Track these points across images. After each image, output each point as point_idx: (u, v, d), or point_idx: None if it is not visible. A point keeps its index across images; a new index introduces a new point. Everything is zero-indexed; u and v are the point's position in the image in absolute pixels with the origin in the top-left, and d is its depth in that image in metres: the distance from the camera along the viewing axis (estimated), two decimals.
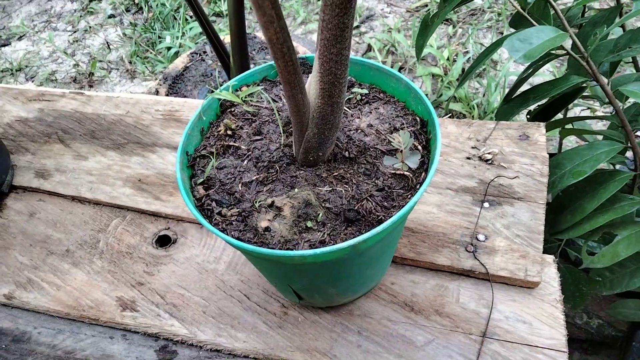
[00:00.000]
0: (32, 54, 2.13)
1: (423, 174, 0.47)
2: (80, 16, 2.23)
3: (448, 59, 1.68)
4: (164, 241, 0.71)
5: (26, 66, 2.07)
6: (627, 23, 0.83)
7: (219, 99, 0.55)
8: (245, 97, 0.55)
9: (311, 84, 0.44)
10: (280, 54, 0.36)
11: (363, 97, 0.55)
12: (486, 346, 0.55)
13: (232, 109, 0.56)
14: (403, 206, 0.45)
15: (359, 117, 0.53)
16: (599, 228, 0.74)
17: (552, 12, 0.76)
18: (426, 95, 1.66)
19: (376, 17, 1.98)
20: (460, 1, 0.78)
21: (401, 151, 0.45)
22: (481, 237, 0.62)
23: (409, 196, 0.46)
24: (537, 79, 1.57)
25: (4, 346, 0.64)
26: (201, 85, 1.34)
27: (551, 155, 0.77)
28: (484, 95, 1.60)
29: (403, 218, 0.44)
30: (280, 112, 0.54)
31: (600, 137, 0.80)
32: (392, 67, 1.75)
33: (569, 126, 0.94)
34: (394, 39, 1.81)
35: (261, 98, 0.56)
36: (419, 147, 0.49)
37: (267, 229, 0.45)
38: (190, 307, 0.63)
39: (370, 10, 2.00)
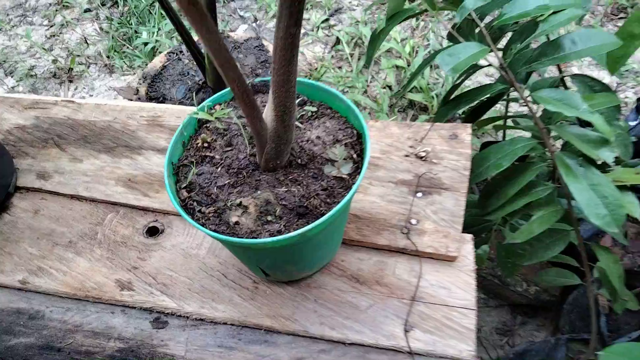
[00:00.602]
0: (10, 48, 2.17)
1: (357, 176, 0.61)
2: (56, 10, 2.27)
3: (410, 54, 1.80)
4: (153, 231, 0.84)
5: (4, 61, 2.12)
6: (552, 34, 0.95)
7: (197, 118, 0.68)
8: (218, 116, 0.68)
9: (268, 110, 0.57)
10: (241, 97, 0.49)
11: (313, 114, 0.68)
12: (414, 307, 0.70)
13: (208, 125, 0.68)
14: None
15: (309, 130, 0.66)
16: (518, 210, 0.89)
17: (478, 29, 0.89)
18: (390, 86, 1.79)
19: (344, 10, 2.08)
20: (402, 19, 0.91)
21: (337, 161, 0.58)
22: (414, 221, 0.76)
23: (346, 194, 0.60)
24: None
25: (22, 323, 0.77)
26: (179, 84, 1.45)
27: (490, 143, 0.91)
28: (442, 85, 1.74)
29: (340, 211, 0.57)
30: (246, 128, 0.66)
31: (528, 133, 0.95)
32: (359, 59, 1.87)
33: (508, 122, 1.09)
34: (360, 32, 1.93)
35: (231, 116, 0.68)
36: (354, 156, 0.62)
37: (236, 223, 0.58)
38: (178, 286, 0.76)
39: (338, 3, 2.11)
